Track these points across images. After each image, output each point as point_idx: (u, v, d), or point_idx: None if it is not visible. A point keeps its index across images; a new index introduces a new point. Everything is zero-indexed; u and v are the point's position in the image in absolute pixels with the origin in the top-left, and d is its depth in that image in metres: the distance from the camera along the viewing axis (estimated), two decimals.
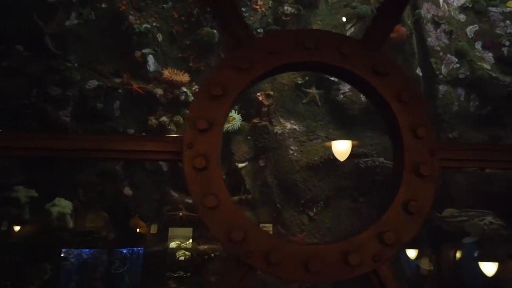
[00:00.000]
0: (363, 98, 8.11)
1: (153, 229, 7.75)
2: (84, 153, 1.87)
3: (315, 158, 7.87)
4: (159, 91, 7.91)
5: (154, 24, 8.20)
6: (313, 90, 8.33)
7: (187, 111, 7.95)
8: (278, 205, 7.79)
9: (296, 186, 7.84)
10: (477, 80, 8.14)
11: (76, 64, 7.76)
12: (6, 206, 6.95)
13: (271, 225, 7.68)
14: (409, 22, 8.26)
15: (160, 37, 8.24)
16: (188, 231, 7.72)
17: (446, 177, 7.29)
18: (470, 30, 8.58)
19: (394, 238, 1.75)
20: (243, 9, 8.22)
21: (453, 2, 8.69)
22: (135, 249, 7.57)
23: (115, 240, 7.59)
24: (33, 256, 6.90)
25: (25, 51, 7.52)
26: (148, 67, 8.08)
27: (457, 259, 7.76)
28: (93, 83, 7.65)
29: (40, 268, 6.85)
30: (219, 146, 1.85)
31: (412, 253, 7.61)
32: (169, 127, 7.78)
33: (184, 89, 7.96)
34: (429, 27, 8.34)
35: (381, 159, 7.80)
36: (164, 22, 8.37)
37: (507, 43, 8.40)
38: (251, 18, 8.30)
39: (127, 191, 7.66)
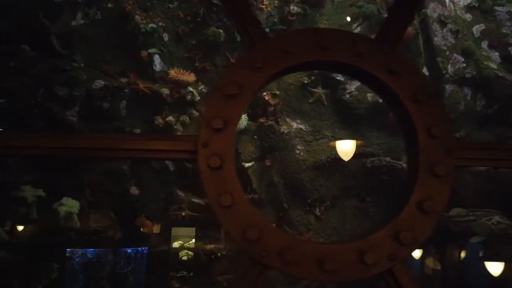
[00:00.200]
0: (369, 97, 8.11)
1: (156, 229, 7.76)
2: (99, 152, 1.88)
3: (322, 158, 7.87)
4: (165, 91, 7.91)
5: (160, 24, 8.21)
6: (319, 90, 8.33)
7: (194, 111, 8.01)
8: (284, 204, 7.79)
9: (303, 185, 7.84)
10: (484, 80, 8.12)
11: (82, 64, 7.78)
12: (13, 206, 6.97)
13: (273, 225, 7.67)
14: (415, 21, 8.24)
15: (166, 37, 8.25)
16: (191, 231, 7.73)
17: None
18: (477, 29, 8.56)
19: (409, 238, 1.75)
20: None
21: (459, 1, 8.67)
22: (140, 248, 7.59)
23: (121, 240, 7.60)
24: (40, 256, 6.93)
25: (32, 51, 7.53)
26: (154, 67, 8.08)
27: (461, 259, 7.74)
28: (99, 83, 7.67)
29: (47, 267, 6.88)
30: (234, 146, 1.85)
31: (416, 253, 7.59)
32: (175, 127, 7.79)
33: (190, 89, 7.96)
34: (435, 26, 8.32)
35: (388, 159, 7.79)
36: (170, 22, 8.37)
37: None
38: (257, 17, 8.30)
39: (134, 190, 7.67)
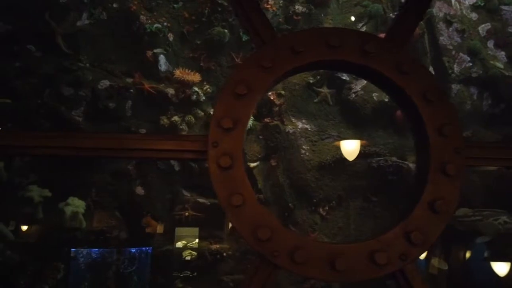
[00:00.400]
0: (375, 97, 8.09)
1: (160, 229, 7.77)
2: (106, 152, 1.88)
3: (327, 158, 7.86)
4: (170, 91, 7.92)
5: (165, 23, 8.22)
6: (324, 89, 8.33)
7: (199, 111, 8.01)
8: (290, 204, 7.78)
9: (308, 185, 7.83)
10: (490, 79, 8.09)
11: (88, 64, 7.80)
12: (20, 206, 7.00)
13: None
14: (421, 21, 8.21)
15: (171, 36, 8.26)
16: (195, 231, 7.73)
17: None
18: (483, 28, 8.53)
19: (421, 237, 1.75)
20: None
21: (465, 0, 8.65)
22: (144, 248, 7.59)
23: (127, 240, 7.62)
24: (46, 255, 6.95)
25: (37, 51, 7.57)
26: (159, 67, 8.09)
27: (467, 259, 7.71)
28: (105, 83, 7.68)
29: (53, 267, 6.90)
30: (244, 145, 1.85)
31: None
32: (180, 127, 7.79)
33: (196, 89, 7.96)
34: (441, 26, 8.30)
35: (394, 158, 7.77)
36: (175, 22, 8.39)
37: None
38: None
39: (139, 190, 7.68)
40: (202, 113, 8.03)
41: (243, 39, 8.36)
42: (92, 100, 7.56)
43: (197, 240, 7.68)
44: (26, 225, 7.10)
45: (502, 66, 8.14)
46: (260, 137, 8.10)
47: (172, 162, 7.76)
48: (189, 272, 7.50)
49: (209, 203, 7.72)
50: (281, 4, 8.51)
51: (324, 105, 8.34)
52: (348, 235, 7.80)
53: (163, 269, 7.57)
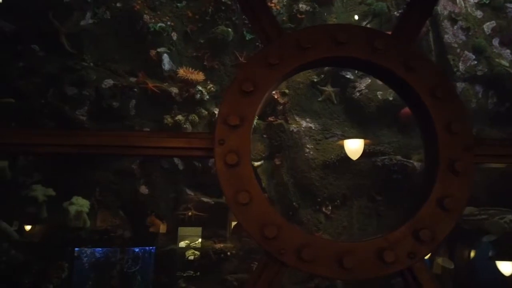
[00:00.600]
0: (379, 95, 8.07)
1: (163, 228, 7.77)
2: (113, 150, 1.88)
3: (332, 156, 7.84)
4: (174, 90, 7.92)
5: (169, 23, 8.22)
6: (328, 88, 8.30)
7: (203, 110, 8.01)
8: (294, 203, 7.76)
9: (313, 184, 7.81)
10: (495, 77, 8.05)
11: (91, 64, 7.81)
12: (24, 205, 7.01)
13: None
14: None
15: (174, 36, 8.26)
16: (198, 230, 7.72)
17: None
18: (487, 26, 8.48)
19: (429, 235, 1.73)
20: None
21: None
22: (147, 248, 7.59)
23: (131, 239, 7.62)
24: (51, 255, 6.96)
25: (41, 51, 7.59)
26: (163, 66, 8.09)
27: (472, 258, 7.68)
28: (108, 82, 7.69)
29: (58, 266, 6.91)
30: (250, 143, 1.84)
31: None
32: (184, 126, 7.78)
33: (199, 88, 7.95)
34: (446, 24, 8.26)
35: (399, 157, 7.73)
36: (179, 21, 8.38)
37: None
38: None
39: (143, 189, 7.68)
40: (206, 112, 8.02)
41: (247, 38, 8.35)
42: (96, 99, 7.57)
43: (200, 240, 7.67)
44: (30, 224, 7.11)
45: (507, 64, 8.10)
46: (264, 136, 8.09)
47: (176, 161, 7.76)
48: (192, 272, 7.50)
49: (213, 202, 7.72)
50: (285, 3, 8.50)
51: (328, 103, 8.32)
52: (353, 234, 7.78)
53: (166, 268, 7.57)
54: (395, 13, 8.28)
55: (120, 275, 7.36)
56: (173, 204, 7.87)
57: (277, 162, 7.93)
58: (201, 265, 7.52)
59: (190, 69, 8.00)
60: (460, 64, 8.09)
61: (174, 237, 7.74)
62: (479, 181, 7.06)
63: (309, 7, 8.41)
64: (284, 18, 8.35)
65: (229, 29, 8.23)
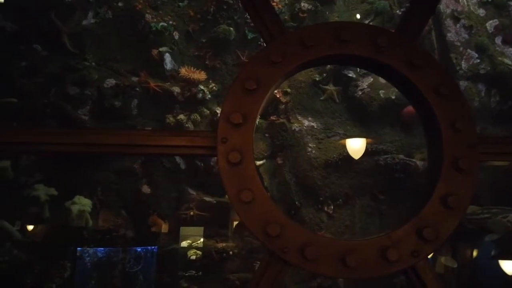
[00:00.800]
0: (381, 94, 8.05)
1: (165, 228, 7.77)
2: (116, 148, 1.87)
3: (334, 155, 7.82)
4: (176, 89, 7.92)
5: (171, 22, 8.22)
6: (330, 87, 8.29)
7: (205, 109, 8.01)
8: (296, 202, 7.75)
9: (315, 183, 7.79)
10: (498, 76, 8.03)
11: (93, 63, 7.82)
12: (26, 205, 7.02)
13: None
14: None
15: (176, 35, 8.25)
16: (199, 230, 7.71)
17: None
18: (490, 25, 8.45)
19: (433, 234, 1.72)
20: None
21: None
22: (149, 247, 7.59)
23: (133, 239, 7.62)
24: (53, 254, 6.97)
25: (43, 50, 7.59)
26: (165, 65, 8.08)
27: (475, 257, 7.66)
28: (110, 81, 7.69)
29: (60, 266, 6.91)
30: (253, 141, 1.83)
31: None
32: (186, 125, 7.78)
33: (201, 87, 7.95)
34: (449, 22, 8.23)
35: (401, 156, 7.72)
36: (180, 20, 8.38)
37: None
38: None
39: (145, 189, 7.68)
40: (208, 111, 8.02)
41: (249, 37, 8.35)
42: (98, 99, 7.57)
43: (202, 240, 7.67)
44: (32, 224, 7.11)
45: (510, 63, 8.07)
46: (266, 135, 8.09)
47: (178, 160, 7.76)
48: (194, 272, 7.50)
49: (215, 202, 7.72)
50: (286, 2, 8.48)
51: (330, 102, 8.31)
52: (355, 233, 7.77)
53: (168, 268, 7.57)
54: (397, 11, 8.26)
55: (122, 275, 7.36)
56: (175, 203, 7.87)
57: (279, 161, 7.92)
58: (203, 264, 7.52)
59: (192, 68, 7.99)
60: (462, 62, 8.07)
61: (176, 237, 7.74)
62: (483, 180, 7.04)
63: (311, 6, 8.40)
64: (286, 17, 8.33)
65: (231, 28, 8.22)
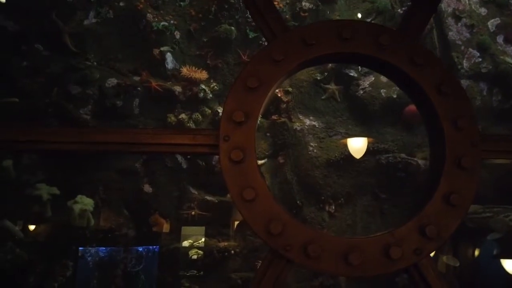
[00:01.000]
0: (383, 93, 8.04)
1: (166, 228, 7.77)
2: (119, 146, 1.87)
3: (335, 155, 7.82)
4: (177, 89, 7.92)
5: (172, 21, 8.22)
6: (332, 86, 8.28)
7: (206, 109, 8.01)
8: (298, 202, 7.74)
9: (316, 182, 7.79)
10: (500, 74, 8.00)
11: (95, 63, 7.83)
12: (28, 204, 7.03)
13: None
14: None
15: (177, 34, 8.26)
16: (201, 230, 7.71)
17: None
18: (492, 23, 8.43)
19: (436, 232, 1.72)
20: None
21: None
22: (151, 247, 7.59)
23: (134, 238, 7.63)
24: (55, 254, 6.98)
25: (45, 50, 7.61)
26: (166, 65, 8.09)
27: (476, 256, 7.64)
28: (112, 81, 7.71)
29: (62, 265, 6.92)
30: (255, 139, 1.83)
31: None
32: (188, 125, 7.78)
33: (203, 86, 7.96)
34: (450, 21, 8.21)
35: (403, 155, 7.70)
36: (182, 20, 8.39)
37: None
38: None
39: (147, 188, 7.69)
40: (209, 111, 8.02)
41: (250, 36, 8.35)
42: (100, 98, 7.58)
43: (203, 239, 7.66)
44: (34, 223, 7.12)
45: None
46: (268, 134, 8.09)
47: (180, 159, 7.77)
48: (195, 271, 7.50)
49: (216, 201, 7.72)
50: (288, 1, 8.47)
51: (332, 101, 8.30)
52: (356, 232, 7.76)
53: (170, 268, 7.57)
54: (399, 10, 8.25)
55: (123, 274, 7.37)
56: (176, 202, 7.87)
57: (281, 160, 7.92)
58: (204, 264, 7.52)
59: (193, 67, 8.00)
60: (464, 61, 8.05)
61: (177, 236, 7.74)
62: (484, 178, 7.03)
63: (312, 5, 8.39)
64: (287, 16, 8.33)
65: (232, 28, 8.22)
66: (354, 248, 1.70)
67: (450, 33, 8.15)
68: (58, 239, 7.06)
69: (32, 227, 7.10)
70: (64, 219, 7.03)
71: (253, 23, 8.16)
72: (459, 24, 8.22)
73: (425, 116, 1.98)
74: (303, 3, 8.34)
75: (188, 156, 7.73)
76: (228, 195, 7.29)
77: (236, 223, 7.74)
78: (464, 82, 7.92)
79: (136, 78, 7.88)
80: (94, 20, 8.01)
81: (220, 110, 7.72)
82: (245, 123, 1.79)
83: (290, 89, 8.14)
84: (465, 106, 1.86)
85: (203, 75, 7.95)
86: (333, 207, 7.86)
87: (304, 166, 7.85)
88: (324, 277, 7.35)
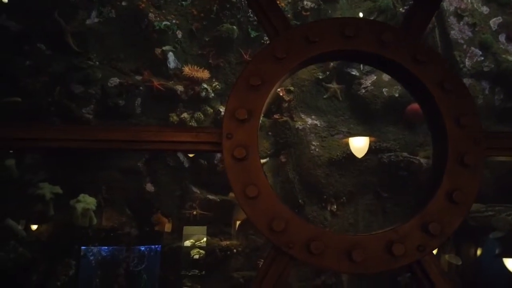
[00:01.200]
0: (385, 92, 8.04)
1: (168, 227, 7.78)
2: (122, 144, 1.88)
3: (337, 154, 7.82)
4: (179, 88, 7.93)
5: (174, 21, 8.23)
6: (334, 85, 8.28)
7: (208, 108, 8.01)
8: (300, 201, 7.75)
9: (318, 181, 7.79)
10: (502, 73, 7.99)
11: (97, 62, 7.84)
12: (31, 203, 7.04)
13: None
14: None
15: (179, 34, 8.27)
16: (203, 229, 7.71)
17: None
18: (494, 22, 8.42)
19: (438, 228, 1.72)
20: None
21: None
22: (153, 246, 7.60)
23: (137, 237, 7.64)
24: (58, 253, 6.99)
25: (47, 50, 7.62)
26: (168, 64, 8.10)
27: (479, 255, 7.63)
28: (114, 80, 7.72)
29: (65, 264, 6.94)
30: (258, 137, 1.84)
31: None
32: (190, 124, 7.79)
33: (205, 86, 7.96)
34: (452, 20, 8.20)
35: (405, 154, 7.70)
36: (184, 19, 8.39)
37: None
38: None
39: (149, 187, 7.71)
40: (211, 110, 8.03)
41: (252, 36, 8.35)
42: (102, 97, 7.60)
43: (205, 239, 7.67)
44: (37, 222, 7.14)
45: None
46: (270, 133, 8.09)
47: (182, 158, 7.78)
48: (197, 271, 7.51)
49: (218, 200, 7.73)
50: (289, 0, 8.48)
51: (334, 100, 8.30)
52: (358, 231, 7.76)
53: (172, 267, 7.58)
54: (401, 9, 8.25)
55: (126, 274, 7.38)
56: (178, 201, 7.88)
57: (283, 159, 7.93)
58: (206, 263, 7.53)
59: (195, 67, 8.01)
60: (466, 60, 8.04)
61: (179, 236, 7.75)
62: (486, 177, 7.03)
63: (314, 4, 8.40)
64: (289, 15, 8.33)
65: (234, 27, 8.23)
66: (357, 245, 1.70)
67: (452, 32, 8.14)
68: (60, 238, 7.08)
69: (34, 226, 7.11)
70: (67, 218, 7.05)
71: (255, 22, 8.16)
72: (461, 23, 8.21)
73: (427, 113, 1.98)
74: (305, 2, 8.34)
75: (191, 155, 7.73)
76: (230, 194, 7.35)
77: (238, 223, 7.75)
78: (466, 81, 7.90)
79: (138, 78, 7.90)
80: (96, 20, 8.02)
81: (222, 109, 7.73)
82: (247, 121, 1.79)
83: (292, 88, 8.14)
84: (468, 103, 1.86)
85: (205, 74, 7.96)
86: (335, 206, 7.87)
87: (306, 165, 7.86)
88: (326, 276, 7.35)
